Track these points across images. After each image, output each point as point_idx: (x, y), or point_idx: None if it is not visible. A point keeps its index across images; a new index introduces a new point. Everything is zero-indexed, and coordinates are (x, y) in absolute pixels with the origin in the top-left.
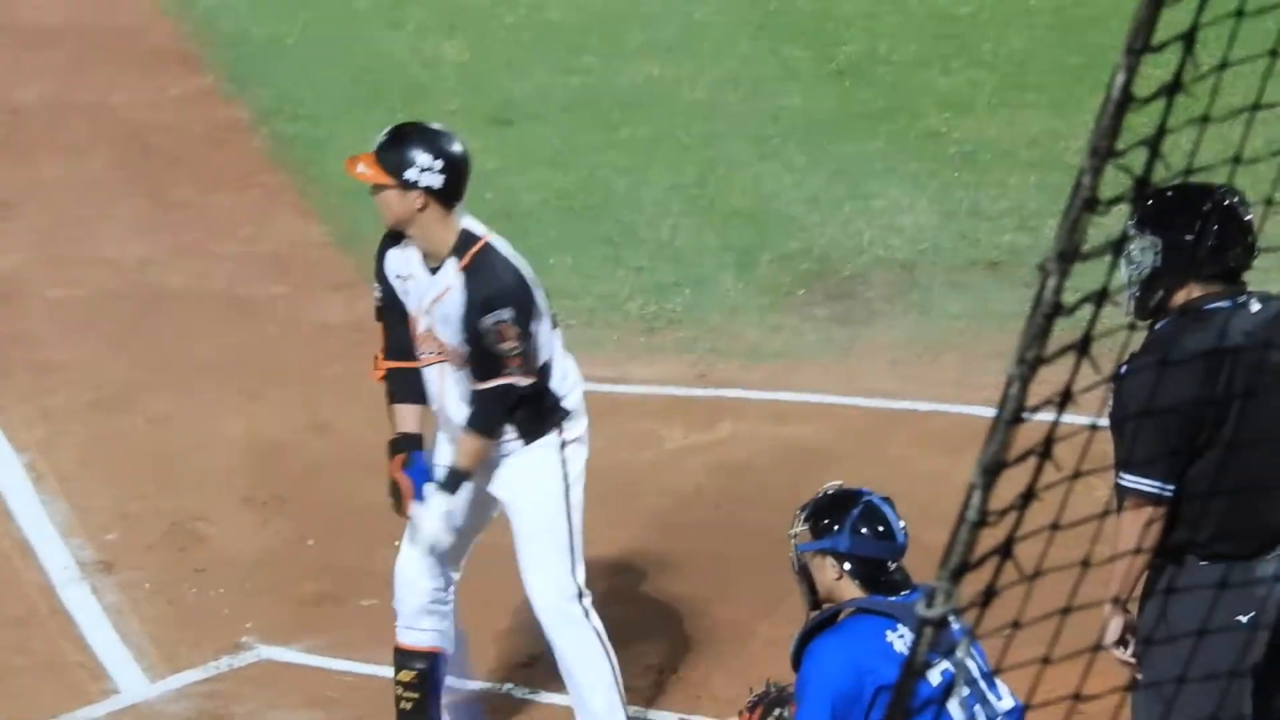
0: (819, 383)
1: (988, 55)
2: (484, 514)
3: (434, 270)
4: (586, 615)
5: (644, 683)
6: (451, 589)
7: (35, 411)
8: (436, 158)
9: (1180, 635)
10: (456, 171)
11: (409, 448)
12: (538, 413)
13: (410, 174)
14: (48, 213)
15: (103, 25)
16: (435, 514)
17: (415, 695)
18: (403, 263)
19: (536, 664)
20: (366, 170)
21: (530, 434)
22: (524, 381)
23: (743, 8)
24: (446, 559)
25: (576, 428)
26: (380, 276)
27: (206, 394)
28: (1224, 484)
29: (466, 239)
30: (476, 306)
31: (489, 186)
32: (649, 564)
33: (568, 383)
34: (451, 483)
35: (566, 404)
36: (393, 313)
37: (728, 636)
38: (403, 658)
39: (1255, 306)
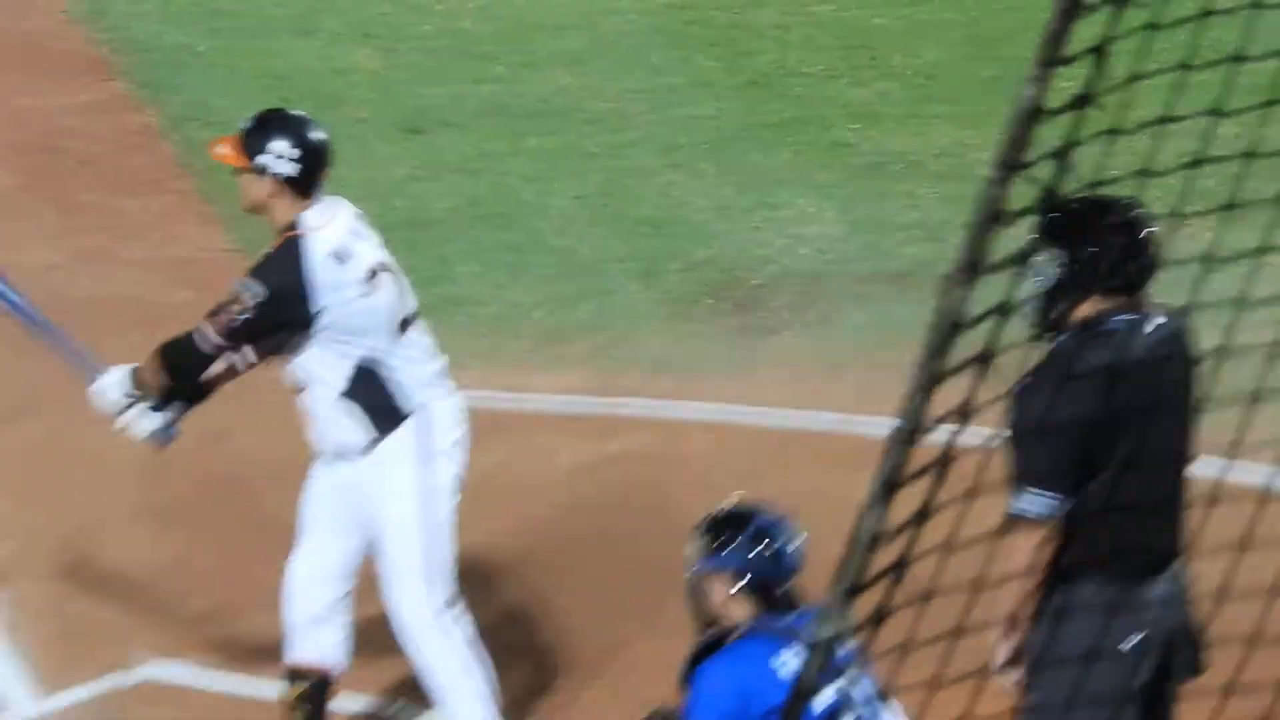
0: (721, 394)
1: (898, 67)
2: (353, 520)
3: None
4: (448, 630)
5: (532, 703)
6: (347, 599)
7: None
8: (294, 146)
9: (1066, 653)
10: (312, 161)
11: None
12: (368, 412)
13: (264, 159)
14: None
15: (11, 30)
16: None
17: (303, 712)
18: None
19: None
20: (225, 151)
21: (368, 435)
22: (210, 341)
23: (654, 18)
24: (338, 566)
25: (443, 438)
26: None
27: None
28: (1117, 503)
29: (291, 225)
30: (249, 269)
31: (399, 194)
32: (541, 580)
33: (407, 391)
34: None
35: (402, 408)
36: None
37: (614, 655)
38: (293, 675)
39: (1156, 321)
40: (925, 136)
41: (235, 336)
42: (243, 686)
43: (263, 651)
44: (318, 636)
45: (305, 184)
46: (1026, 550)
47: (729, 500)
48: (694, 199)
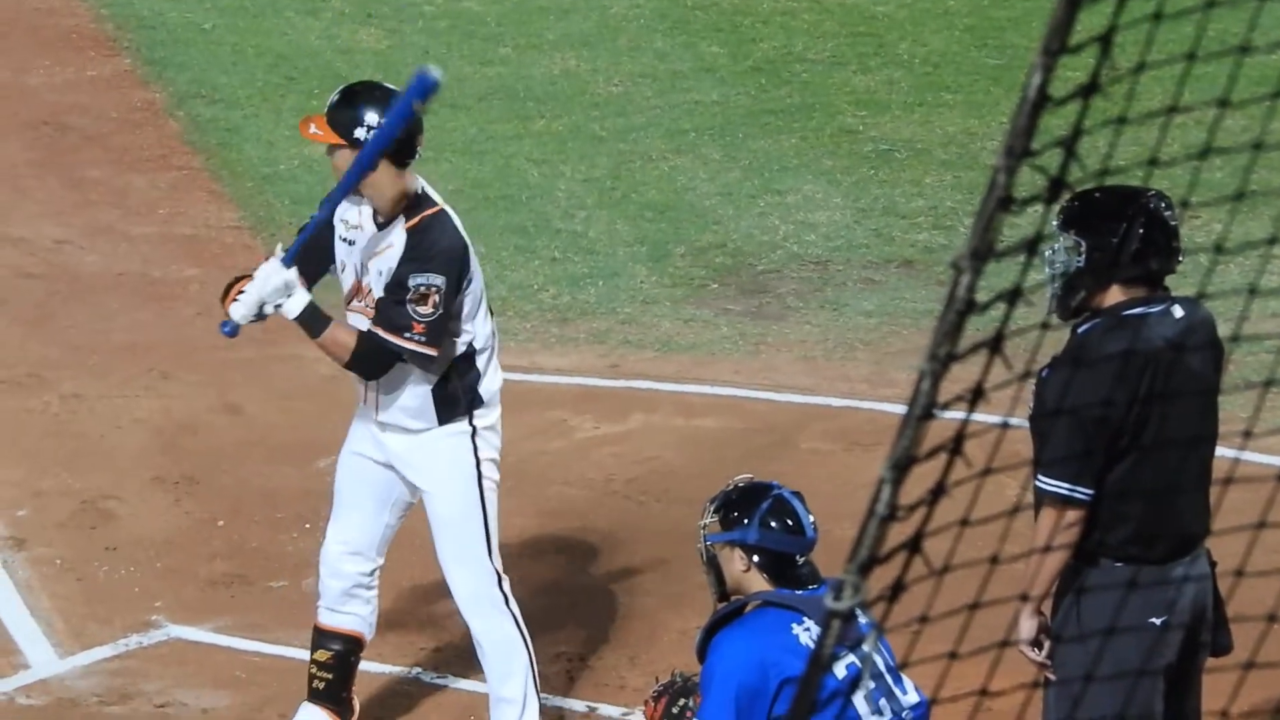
0: (730, 377)
1: (904, 55)
2: (403, 501)
3: (381, 226)
4: (506, 602)
5: (553, 671)
6: (375, 575)
7: None
8: (384, 116)
9: (1090, 633)
10: (407, 131)
11: None
12: (455, 394)
13: (360, 133)
14: None
15: (18, 6)
16: (273, 270)
17: (328, 676)
18: (355, 213)
19: (445, 649)
20: (318, 131)
21: (444, 416)
22: (420, 351)
23: (660, 3)
24: (370, 543)
25: (488, 416)
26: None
27: (118, 374)
28: (1138, 488)
29: (420, 201)
30: (411, 263)
31: None
32: (556, 553)
33: (489, 372)
34: (309, 312)
35: (483, 392)
36: (310, 250)
37: (634, 626)
38: (321, 638)
39: (1177, 312)
40: (932, 124)
41: (436, 335)
42: (261, 648)
43: (280, 615)
44: (345, 605)
45: (403, 154)
46: (1050, 530)
47: (742, 476)
48: (700, 184)
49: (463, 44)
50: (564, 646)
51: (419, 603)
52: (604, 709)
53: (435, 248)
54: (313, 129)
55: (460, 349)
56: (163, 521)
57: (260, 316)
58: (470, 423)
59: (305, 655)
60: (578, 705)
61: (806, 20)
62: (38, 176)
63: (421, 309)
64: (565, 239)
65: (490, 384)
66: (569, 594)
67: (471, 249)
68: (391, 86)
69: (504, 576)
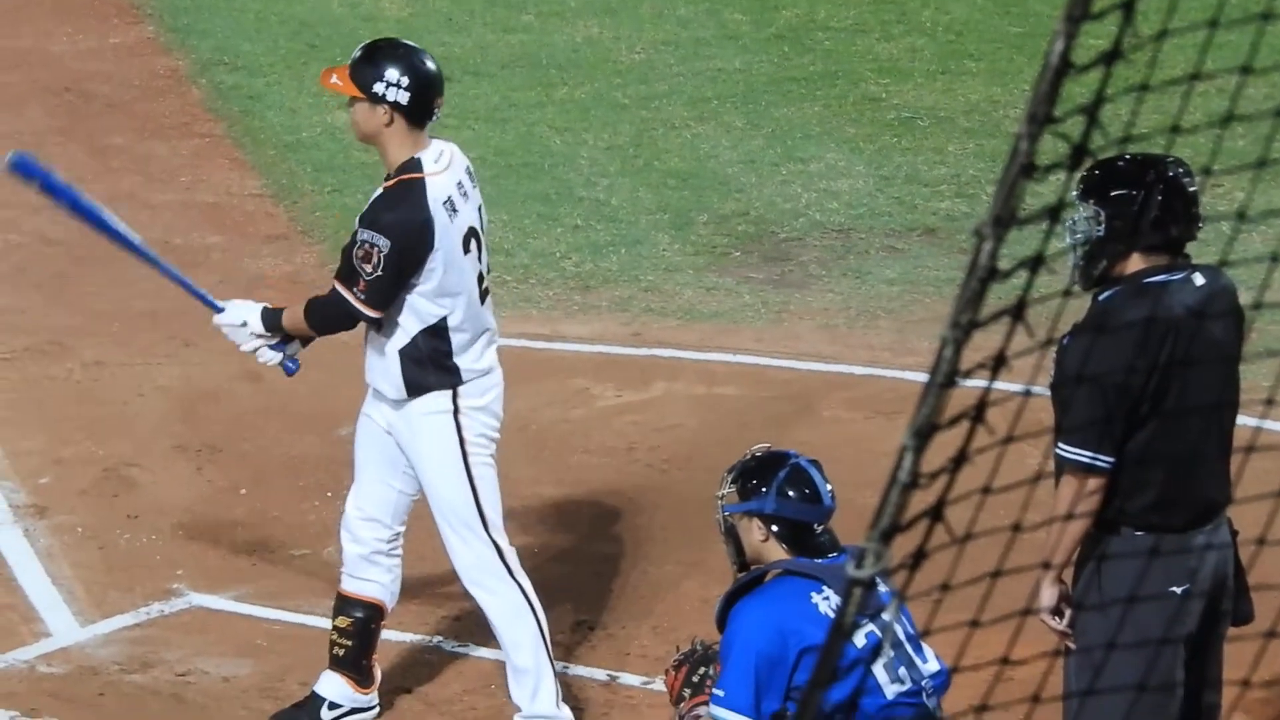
0: (752, 345)
1: (927, 23)
2: (403, 463)
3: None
4: (511, 573)
5: (572, 639)
6: (395, 543)
7: None
8: (404, 74)
9: (1111, 602)
10: (425, 89)
11: None
12: (421, 365)
13: (378, 88)
14: None
15: None
16: (232, 318)
17: (349, 643)
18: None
19: (466, 618)
20: (339, 81)
21: (412, 388)
22: (360, 310)
23: None
24: (386, 510)
25: (475, 397)
26: None
27: (140, 342)
28: (1159, 455)
29: (408, 165)
30: (365, 218)
31: None
32: (578, 521)
33: (471, 351)
34: (267, 317)
35: (462, 370)
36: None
37: (656, 595)
38: (343, 604)
39: (1199, 280)
40: (955, 92)
41: (379, 298)
42: (282, 617)
43: (301, 584)
44: (366, 572)
45: (419, 112)
46: (1071, 498)
47: (760, 445)
48: (722, 152)
49: (485, 11)
50: (585, 615)
51: (439, 571)
52: (625, 678)
53: (392, 212)
54: (334, 79)
55: (428, 321)
56: (184, 489)
57: (277, 347)
58: (454, 401)
59: (327, 624)
60: (599, 674)
61: None
62: (60, 144)
63: (365, 266)
64: (588, 207)
65: (472, 363)
66: (590, 562)
67: (434, 227)
68: (413, 45)
69: (507, 548)
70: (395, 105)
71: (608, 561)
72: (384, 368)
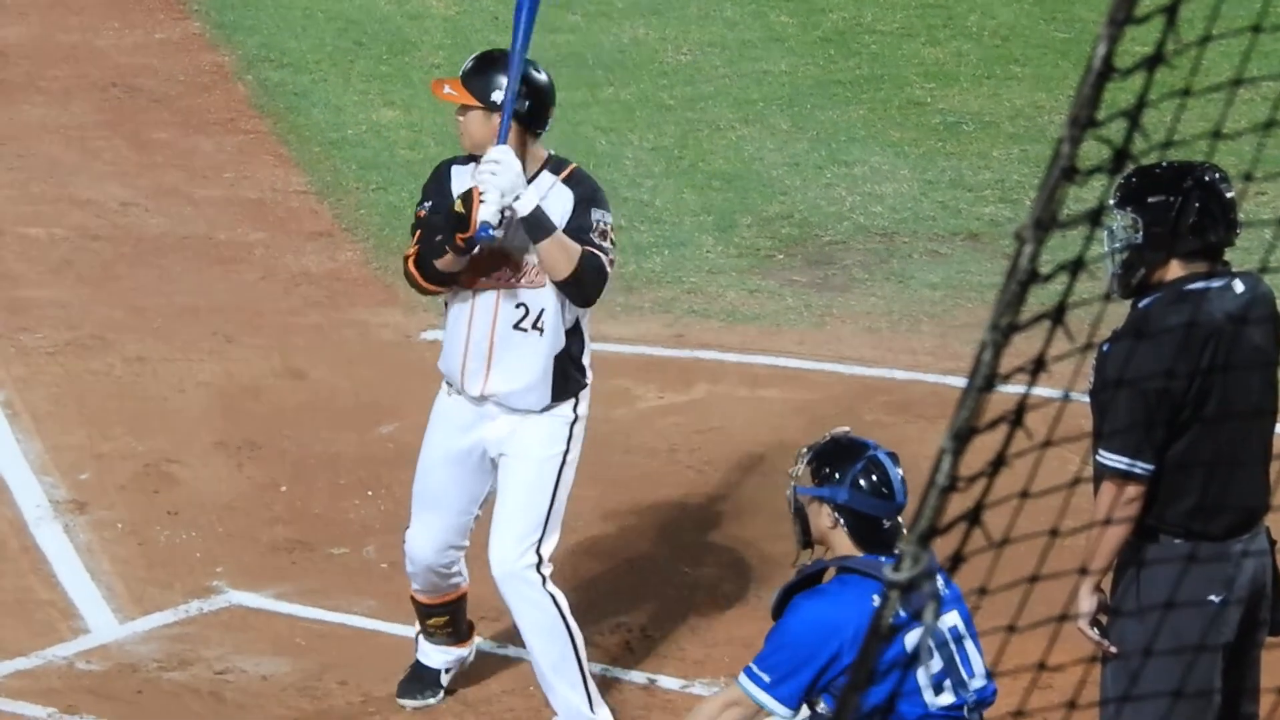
0: (795, 348)
1: (973, 27)
2: (486, 484)
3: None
4: (544, 583)
5: (612, 642)
6: (461, 557)
7: (12, 349)
8: (522, 83)
9: (1149, 609)
10: (541, 98)
11: None
12: (567, 371)
13: (496, 96)
14: (29, 152)
15: None
16: (503, 153)
17: (449, 628)
18: (470, 183)
19: (504, 618)
20: (453, 91)
21: (559, 390)
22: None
23: None
24: (460, 535)
25: (585, 404)
26: (435, 194)
27: (182, 337)
28: (1198, 462)
29: (560, 161)
30: (586, 202)
31: None
32: (618, 521)
33: (587, 356)
34: (539, 211)
35: (587, 369)
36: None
37: (695, 597)
38: (428, 609)
39: (1239, 287)
40: (1000, 97)
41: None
42: (322, 615)
43: (341, 582)
44: (446, 582)
45: (536, 121)
46: (1110, 504)
47: (840, 429)
48: (768, 154)
49: None
50: (624, 617)
51: (480, 573)
52: (664, 680)
53: (598, 192)
54: (447, 90)
55: (574, 319)
56: (225, 486)
57: (502, 215)
58: (575, 410)
59: (366, 623)
60: (638, 677)
61: None
62: (105, 138)
63: (606, 243)
64: (632, 207)
65: (588, 366)
66: (630, 563)
67: None
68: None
69: (548, 564)
70: (515, 114)
71: (647, 563)
72: (533, 374)
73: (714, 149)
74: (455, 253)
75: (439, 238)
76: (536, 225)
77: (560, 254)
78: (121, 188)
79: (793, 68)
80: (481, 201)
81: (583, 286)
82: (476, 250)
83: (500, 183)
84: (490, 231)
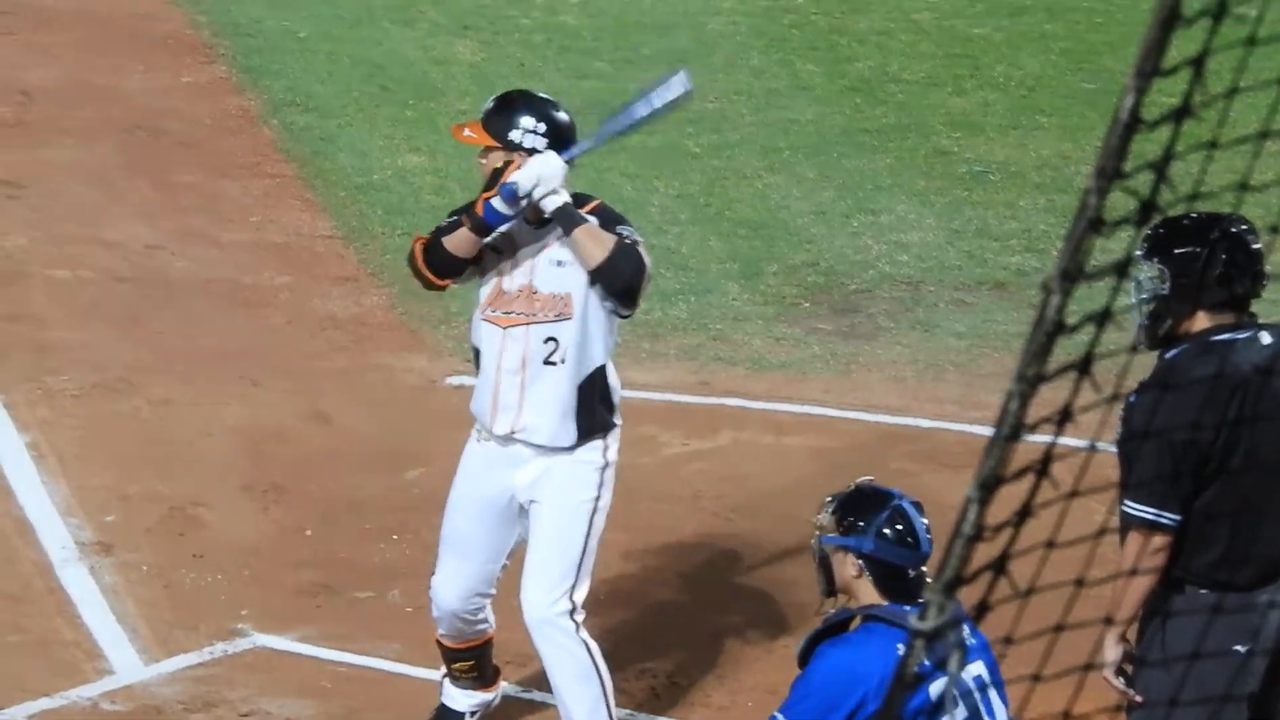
0: (820, 396)
1: (1000, 77)
2: (515, 533)
3: (538, 225)
4: (577, 630)
5: (638, 688)
6: (487, 604)
7: (38, 392)
8: (540, 121)
9: (1174, 659)
10: (560, 135)
11: None
12: (593, 405)
13: (514, 135)
14: (55, 194)
15: (117, 11)
16: (554, 158)
17: (474, 673)
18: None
19: (530, 663)
20: (473, 134)
21: (584, 426)
22: (648, 266)
23: (756, 20)
24: (488, 583)
25: (615, 449)
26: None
27: (208, 380)
28: (1224, 513)
29: (584, 197)
30: (611, 221)
31: None
32: (644, 568)
33: (616, 391)
34: (568, 206)
35: (616, 409)
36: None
37: (722, 644)
38: (454, 653)
39: (1265, 339)
40: (1026, 147)
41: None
42: (347, 659)
43: (366, 626)
44: (473, 628)
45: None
46: (1136, 555)
47: (864, 479)
48: (794, 202)
49: (558, 58)
50: (649, 663)
51: (506, 618)
52: None
53: (623, 219)
54: (466, 132)
55: (609, 351)
56: (250, 529)
57: (529, 197)
58: (604, 455)
59: (391, 666)
60: None
61: (903, 41)
62: (130, 180)
63: (636, 243)
64: (658, 254)
65: (616, 402)
66: (655, 610)
67: None
68: (544, 94)
69: (580, 610)
70: (533, 152)
71: (673, 609)
72: (558, 411)
73: (740, 197)
74: (472, 226)
75: (455, 217)
76: (567, 218)
77: (592, 241)
78: (148, 230)
79: (819, 116)
80: (517, 169)
81: (619, 270)
82: (490, 234)
83: (540, 164)
84: (507, 190)
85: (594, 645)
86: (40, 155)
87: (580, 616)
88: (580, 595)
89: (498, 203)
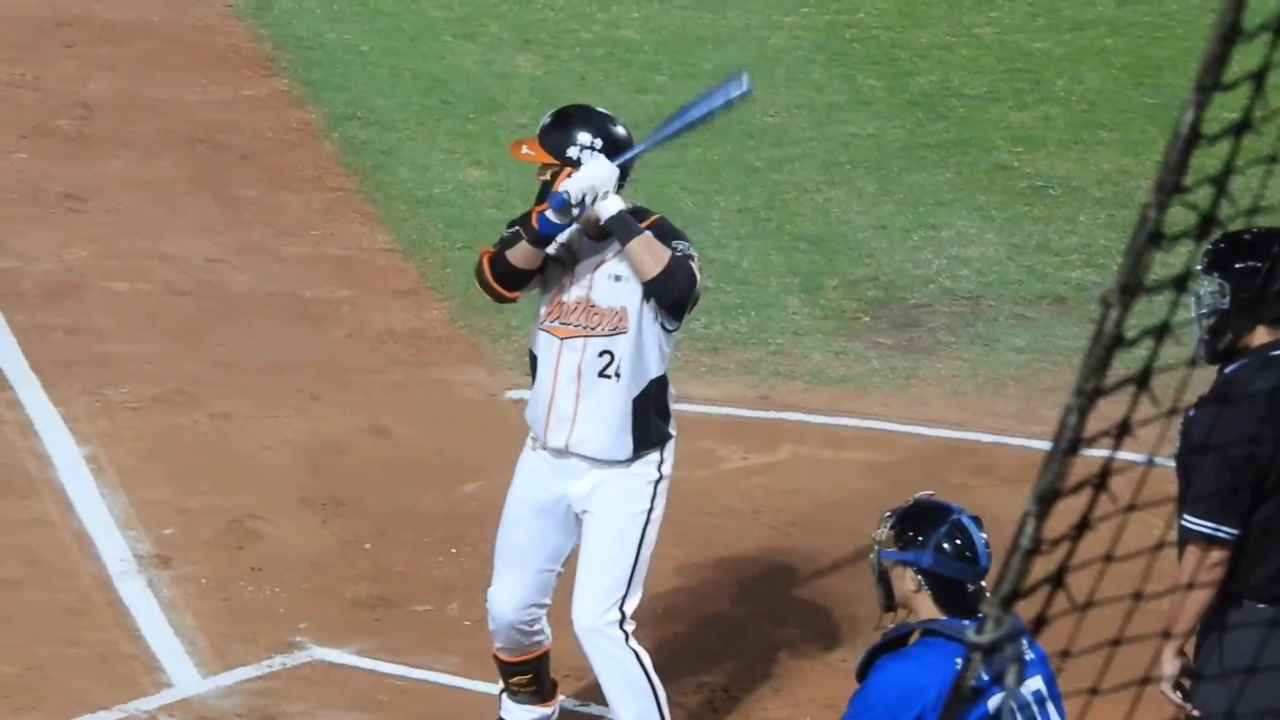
0: (880, 410)
1: (1061, 92)
2: (570, 540)
3: (598, 238)
4: (626, 640)
5: (695, 702)
6: (543, 615)
7: (98, 404)
8: (597, 136)
9: (1231, 672)
10: (618, 150)
11: None
12: (648, 418)
13: (573, 152)
14: (116, 208)
15: (177, 24)
16: (605, 162)
17: (532, 686)
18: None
19: (586, 675)
20: (530, 152)
21: (640, 440)
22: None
23: (817, 35)
24: (543, 593)
25: (670, 463)
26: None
27: (267, 394)
28: None
29: (643, 211)
30: (667, 235)
31: None
32: (702, 582)
33: (672, 403)
34: (624, 214)
35: (671, 420)
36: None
37: (780, 658)
38: (511, 667)
39: None
40: (1087, 162)
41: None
42: (404, 672)
43: (424, 639)
44: (529, 640)
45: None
46: (1194, 569)
47: (923, 493)
48: (854, 216)
49: (619, 71)
50: (707, 677)
51: (562, 631)
52: None
53: (680, 235)
54: (524, 150)
55: (665, 364)
56: (309, 542)
57: (581, 205)
58: (659, 469)
59: (448, 679)
60: None
61: (964, 55)
62: (191, 194)
63: (690, 261)
64: (718, 268)
65: (671, 415)
66: (713, 624)
67: None
68: (601, 109)
69: (630, 622)
70: None
71: (730, 623)
72: (613, 424)
73: (800, 211)
74: (529, 239)
75: (514, 229)
76: (623, 226)
77: (648, 253)
78: (208, 244)
79: (880, 130)
80: (569, 177)
81: (674, 283)
82: (547, 244)
83: (593, 171)
84: (558, 202)
85: (645, 655)
86: (101, 168)
87: (630, 626)
88: (631, 606)
89: (550, 213)
